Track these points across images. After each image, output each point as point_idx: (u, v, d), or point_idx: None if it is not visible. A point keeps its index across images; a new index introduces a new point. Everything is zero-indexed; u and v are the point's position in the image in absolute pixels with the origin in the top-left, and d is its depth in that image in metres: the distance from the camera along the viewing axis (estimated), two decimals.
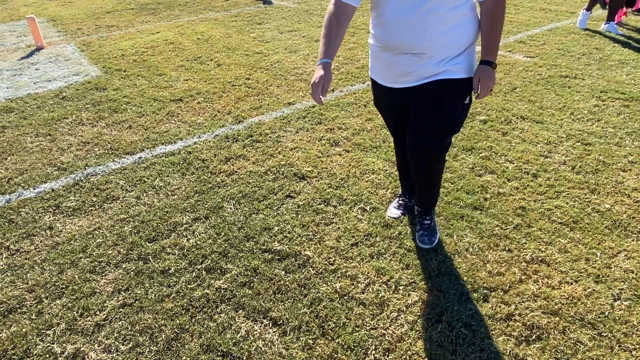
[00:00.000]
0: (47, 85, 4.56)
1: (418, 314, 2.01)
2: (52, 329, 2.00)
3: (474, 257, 2.31)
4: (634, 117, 3.60)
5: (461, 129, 3.49)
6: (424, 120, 2.02)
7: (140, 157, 3.28)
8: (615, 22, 5.70)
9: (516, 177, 2.92)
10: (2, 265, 2.35)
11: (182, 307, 2.08)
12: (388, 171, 3.02)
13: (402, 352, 1.85)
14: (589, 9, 5.67)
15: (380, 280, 2.19)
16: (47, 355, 1.88)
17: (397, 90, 2.05)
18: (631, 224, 2.50)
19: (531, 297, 2.08)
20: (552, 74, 4.45)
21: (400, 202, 2.65)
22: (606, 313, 1.99)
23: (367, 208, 2.68)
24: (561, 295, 2.08)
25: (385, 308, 2.04)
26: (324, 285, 2.18)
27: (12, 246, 2.47)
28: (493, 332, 1.93)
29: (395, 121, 2.28)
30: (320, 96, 1.83)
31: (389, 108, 2.23)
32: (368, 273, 2.23)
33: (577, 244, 2.37)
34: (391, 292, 2.13)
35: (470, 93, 2.01)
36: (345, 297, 2.11)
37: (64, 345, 1.92)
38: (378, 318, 2.00)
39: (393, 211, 2.60)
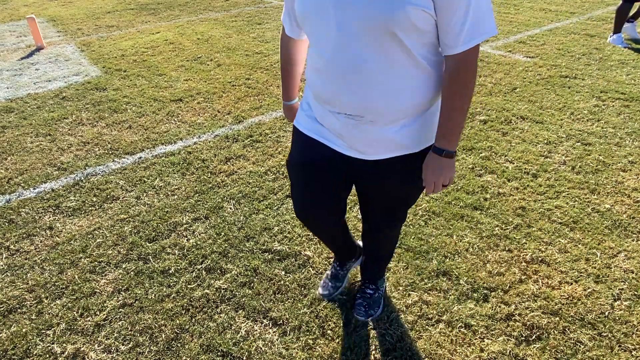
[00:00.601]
0: (47, 85, 4.56)
1: (418, 314, 2.01)
2: (52, 329, 2.00)
3: (474, 257, 2.31)
4: (634, 117, 3.60)
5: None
6: (372, 205, 1.65)
7: (140, 157, 3.28)
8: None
9: (516, 177, 2.92)
10: (2, 265, 2.35)
11: (182, 307, 2.08)
12: None
13: (402, 352, 1.85)
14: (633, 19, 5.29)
15: None
16: (47, 355, 1.88)
17: (328, 148, 1.51)
18: (631, 224, 2.50)
19: (531, 297, 2.08)
20: (552, 74, 4.45)
21: (334, 271, 2.11)
22: (606, 313, 1.99)
23: None
24: (561, 295, 2.08)
25: (385, 308, 2.04)
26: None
27: (12, 246, 2.47)
28: (493, 332, 1.93)
29: (309, 185, 1.60)
30: None
31: (306, 164, 1.58)
32: None
33: (577, 244, 2.37)
34: (391, 292, 2.13)
35: None
36: (345, 297, 2.11)
37: (64, 345, 1.92)
38: (378, 318, 2.00)
39: (321, 289, 2.11)
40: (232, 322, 2.00)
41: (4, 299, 2.15)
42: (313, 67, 1.42)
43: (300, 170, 1.60)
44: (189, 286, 2.19)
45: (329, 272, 2.14)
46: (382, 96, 1.31)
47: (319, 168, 1.55)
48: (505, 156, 3.14)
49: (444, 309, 2.03)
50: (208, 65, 5.00)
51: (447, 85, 1.30)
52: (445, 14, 1.19)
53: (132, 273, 2.27)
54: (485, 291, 2.11)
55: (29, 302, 2.13)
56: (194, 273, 2.27)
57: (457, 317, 1.99)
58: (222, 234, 2.51)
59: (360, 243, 2.06)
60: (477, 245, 2.38)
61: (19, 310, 2.10)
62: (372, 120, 1.36)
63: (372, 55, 1.25)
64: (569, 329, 1.93)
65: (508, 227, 2.50)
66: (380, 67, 1.27)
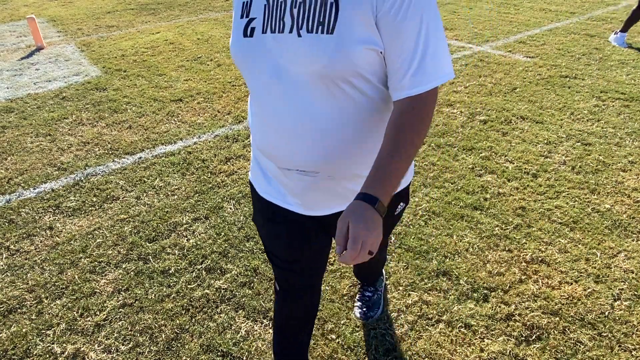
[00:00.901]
0: (47, 85, 4.56)
1: (418, 314, 2.01)
2: (52, 329, 2.00)
3: (474, 257, 2.31)
4: (634, 117, 3.60)
5: (461, 130, 3.49)
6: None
7: (140, 157, 3.28)
8: None
9: (516, 177, 2.92)
10: (2, 265, 2.35)
11: (182, 307, 2.08)
12: None
13: (402, 352, 1.85)
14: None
15: None
16: (47, 355, 1.88)
17: (287, 211, 1.30)
18: (631, 224, 2.50)
19: (531, 297, 2.07)
20: (552, 74, 4.45)
21: None
22: (606, 313, 1.99)
23: None
24: (561, 295, 2.08)
25: (385, 308, 2.04)
26: (323, 285, 2.18)
27: (12, 246, 2.47)
28: (493, 332, 1.93)
29: (281, 229, 1.35)
30: None
31: (270, 220, 1.36)
32: None
33: (577, 244, 2.37)
34: (391, 292, 2.13)
35: (403, 201, 1.36)
36: (345, 297, 2.11)
37: (64, 345, 1.92)
38: (378, 318, 2.00)
39: None
40: (232, 322, 2.00)
41: (4, 299, 2.15)
42: (255, 119, 1.21)
43: (269, 225, 1.37)
44: (189, 286, 2.19)
45: None
46: (338, 148, 1.11)
47: (289, 220, 1.32)
48: (505, 156, 3.14)
49: (444, 309, 2.03)
50: (208, 65, 5.00)
51: (394, 126, 1.03)
52: (390, 53, 1.02)
53: (132, 273, 2.27)
54: (485, 291, 2.11)
55: (29, 302, 2.13)
56: (194, 273, 2.27)
57: (457, 317, 1.99)
58: (222, 234, 2.51)
59: None
60: (477, 245, 2.38)
61: (19, 310, 2.10)
62: (329, 175, 1.16)
63: (322, 103, 1.06)
64: (569, 329, 1.93)
65: (508, 227, 2.50)
66: (333, 116, 1.07)
